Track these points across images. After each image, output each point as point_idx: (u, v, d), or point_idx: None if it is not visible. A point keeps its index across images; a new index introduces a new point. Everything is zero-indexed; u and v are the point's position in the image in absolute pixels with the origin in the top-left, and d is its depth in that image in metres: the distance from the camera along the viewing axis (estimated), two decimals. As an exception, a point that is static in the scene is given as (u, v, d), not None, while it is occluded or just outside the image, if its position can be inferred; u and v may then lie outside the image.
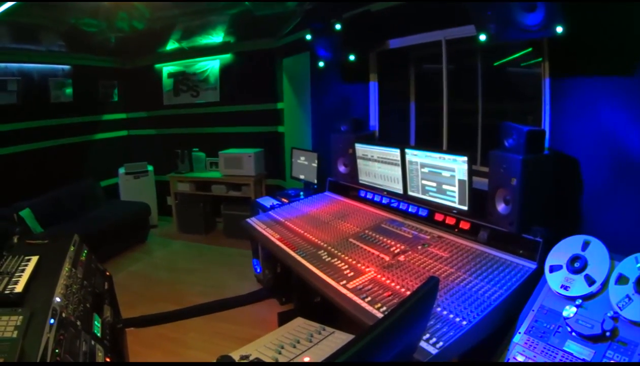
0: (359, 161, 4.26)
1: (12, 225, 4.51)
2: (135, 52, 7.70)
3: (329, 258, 3.16)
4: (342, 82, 5.12)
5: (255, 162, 6.67)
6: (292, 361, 2.19)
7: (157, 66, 7.96)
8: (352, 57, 4.44)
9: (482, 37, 3.07)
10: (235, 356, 2.27)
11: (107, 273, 3.81)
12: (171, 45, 7.37)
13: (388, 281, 2.73)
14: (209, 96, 7.56)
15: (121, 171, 7.85)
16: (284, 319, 3.95)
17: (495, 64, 3.82)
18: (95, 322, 2.78)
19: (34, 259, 2.85)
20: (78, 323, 2.46)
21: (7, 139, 6.38)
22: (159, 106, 8.12)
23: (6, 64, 6.27)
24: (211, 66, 7.45)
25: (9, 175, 6.38)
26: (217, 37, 6.91)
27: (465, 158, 3.11)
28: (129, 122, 8.56)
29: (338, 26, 4.37)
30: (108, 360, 2.50)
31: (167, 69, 7.87)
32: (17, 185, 6.46)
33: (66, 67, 7.17)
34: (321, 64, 4.94)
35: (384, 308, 2.45)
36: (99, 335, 2.69)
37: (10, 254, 2.94)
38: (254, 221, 4.21)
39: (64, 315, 2.35)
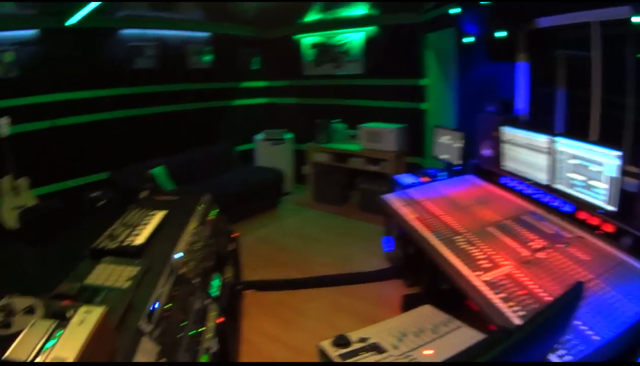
0: (504, 146, 4.01)
1: (144, 181, 4.72)
2: (274, 22, 7.76)
3: (466, 245, 2.98)
4: (488, 61, 4.86)
5: (396, 138, 6.53)
6: (411, 351, 2.10)
7: (297, 36, 7.99)
8: (500, 34, 4.18)
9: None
10: (354, 337, 2.22)
11: (235, 235, 3.89)
12: (312, 16, 7.37)
13: (525, 279, 2.50)
14: (351, 68, 7.49)
15: (258, 137, 8.02)
16: (408, 302, 3.85)
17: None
18: (215, 282, 2.83)
19: (160, 213, 2.94)
20: (196, 280, 2.52)
21: (144, 100, 6.76)
22: (300, 75, 8.17)
23: (144, 31, 6.60)
24: (353, 38, 7.35)
25: (146, 134, 6.82)
26: (360, 9, 6.82)
27: (620, 153, 2.80)
28: (269, 90, 8.69)
29: (486, 0, 4.13)
30: (221, 320, 2.54)
31: (308, 39, 7.88)
32: (153, 145, 6.87)
33: (205, 34, 7.42)
34: (467, 40, 4.69)
35: (517, 308, 2.24)
36: (216, 294, 2.74)
37: (137, 208, 3.04)
38: (390, 198, 4.09)
39: (182, 271, 2.40)
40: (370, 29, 7.14)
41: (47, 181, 5.85)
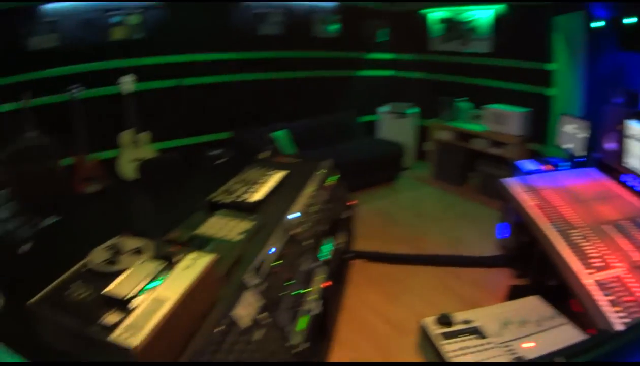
0: (628, 141, 3.74)
1: (265, 143, 4.83)
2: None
3: (580, 240, 2.82)
4: (618, 48, 4.53)
5: (521, 122, 6.27)
6: (512, 341, 2.05)
7: (423, 10, 7.79)
8: (630, 20, 3.87)
9: None
10: (458, 318, 2.19)
11: (352, 203, 3.91)
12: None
13: (634, 285, 2.36)
14: (478, 46, 7.19)
15: (382, 109, 7.93)
16: (514, 293, 3.72)
17: None
18: (326, 246, 2.87)
19: (280, 174, 2.99)
20: (307, 242, 2.56)
21: (269, 65, 6.87)
22: (426, 50, 7.99)
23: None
24: (481, 15, 7.05)
25: (269, 99, 6.97)
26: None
27: None
28: (395, 63, 8.56)
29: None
30: (327, 284, 2.58)
31: (436, 14, 7.65)
32: (276, 109, 7.01)
33: (332, 4, 7.35)
34: (596, 24, 4.38)
35: (623, 314, 2.10)
36: (326, 258, 2.78)
37: (256, 167, 3.11)
38: (510, 182, 3.96)
39: (294, 231, 2.45)
40: (500, 7, 6.83)
41: (168, 137, 6.16)
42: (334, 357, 3.16)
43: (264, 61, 6.82)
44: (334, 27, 7.43)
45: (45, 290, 1.49)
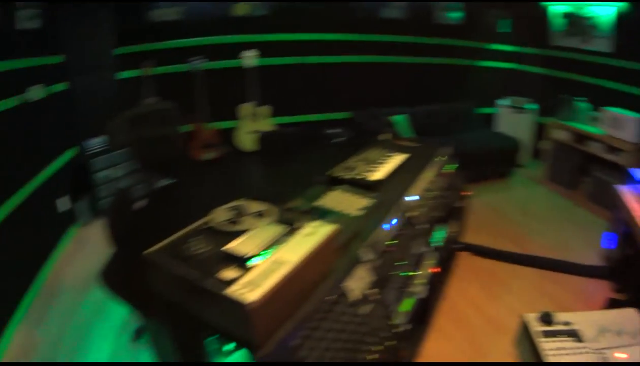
0: None
1: (384, 126, 4.81)
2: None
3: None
4: None
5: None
6: (606, 348, 1.98)
7: (545, 3, 7.42)
8: None
9: None
10: (559, 318, 2.16)
11: (466, 193, 3.85)
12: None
13: None
14: (599, 45, 6.77)
15: (501, 102, 7.66)
16: (612, 307, 3.58)
17: None
18: (438, 233, 2.84)
19: (400, 156, 2.99)
20: (421, 226, 2.54)
21: (390, 49, 6.83)
22: (547, 45, 7.63)
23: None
24: (603, 12, 6.62)
25: (389, 82, 6.95)
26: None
27: None
28: (515, 55, 8.23)
29: None
30: (436, 270, 2.55)
31: (558, 7, 7.25)
32: (396, 93, 6.98)
33: None
34: None
35: None
36: (437, 245, 2.75)
37: (377, 147, 3.12)
38: (622, 189, 3.76)
39: (411, 213, 2.43)
40: (622, 5, 6.38)
41: (287, 113, 6.29)
42: (428, 344, 3.18)
43: (386, 44, 6.79)
44: (456, 15, 7.26)
45: (164, 242, 1.56)
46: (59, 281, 4.97)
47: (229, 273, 1.33)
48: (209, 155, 6.00)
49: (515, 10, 7.78)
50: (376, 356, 1.63)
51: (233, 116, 6.17)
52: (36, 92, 4.87)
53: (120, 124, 5.44)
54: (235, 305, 1.25)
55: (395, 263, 2.12)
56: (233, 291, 1.27)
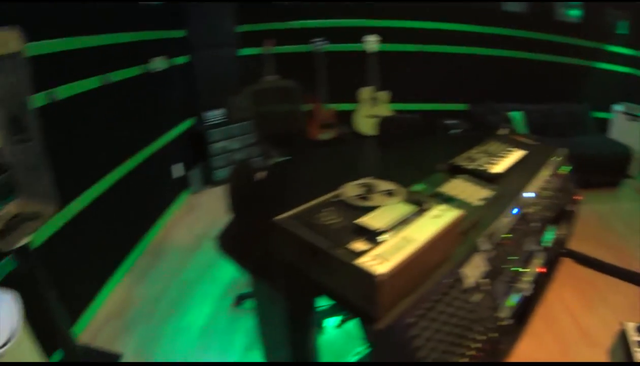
0: None
1: (501, 121, 4.74)
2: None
3: None
4: None
5: None
6: None
7: None
8: None
9: None
10: None
11: (578, 197, 3.77)
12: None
13: None
14: None
15: (617, 108, 7.29)
16: None
17: None
18: (549, 233, 2.81)
19: (520, 152, 2.99)
20: (535, 224, 2.52)
21: (510, 43, 6.70)
22: None
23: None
24: None
25: (507, 77, 6.81)
26: None
27: None
28: (635, 60, 7.82)
29: None
30: (542, 270, 2.53)
31: None
32: (513, 88, 6.84)
33: None
34: None
35: None
36: (546, 245, 2.73)
37: (496, 141, 3.13)
38: None
39: (527, 210, 2.42)
40: None
41: (405, 100, 6.29)
42: (521, 343, 3.17)
43: (505, 38, 6.67)
44: (576, 12, 6.98)
45: (295, 210, 1.64)
46: (166, 242, 5.21)
47: (359, 245, 1.38)
48: (326, 135, 6.15)
49: (636, 12, 7.41)
50: (479, 345, 1.65)
51: (351, 99, 6.26)
52: (159, 63, 5.10)
53: (243, 98, 5.62)
54: (364, 276, 1.30)
55: (508, 257, 2.12)
56: (363, 262, 1.32)
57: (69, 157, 3.61)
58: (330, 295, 1.56)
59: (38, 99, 2.77)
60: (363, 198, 1.64)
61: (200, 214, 5.79)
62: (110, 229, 4.42)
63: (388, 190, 1.69)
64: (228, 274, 4.50)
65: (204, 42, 6.10)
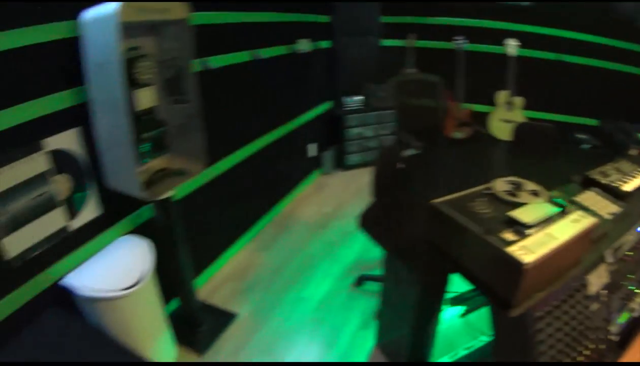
0: None
1: (632, 141, 4.70)
2: None
3: None
4: None
5: None
6: None
7: None
8: None
9: None
10: None
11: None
12: None
13: None
14: None
15: None
16: None
17: None
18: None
19: (650, 174, 3.03)
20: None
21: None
22: None
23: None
24: None
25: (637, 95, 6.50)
26: None
27: None
28: None
29: None
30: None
31: None
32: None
33: None
34: None
35: None
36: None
37: (628, 161, 3.18)
38: None
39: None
40: None
41: (537, 107, 6.28)
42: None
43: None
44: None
45: (450, 197, 1.88)
46: (294, 216, 5.52)
47: (508, 235, 1.61)
48: (459, 134, 6.28)
49: None
50: (588, 352, 1.79)
51: (486, 100, 6.34)
52: (305, 45, 5.40)
53: (387, 88, 5.85)
54: (512, 263, 1.51)
55: (627, 274, 2.25)
56: (513, 250, 1.54)
57: (217, 122, 3.97)
58: (470, 278, 1.79)
59: (195, 65, 3.06)
60: (511, 193, 1.86)
61: (329, 195, 6.11)
62: (243, 195, 4.80)
63: (534, 190, 1.90)
64: (351, 255, 4.74)
65: (347, 29, 6.38)
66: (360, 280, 4.25)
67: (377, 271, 4.27)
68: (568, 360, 1.71)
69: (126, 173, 2.78)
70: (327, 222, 5.39)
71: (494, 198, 1.87)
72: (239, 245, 4.82)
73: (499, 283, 1.63)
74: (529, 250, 1.54)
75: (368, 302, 4.01)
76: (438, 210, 1.81)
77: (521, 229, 1.65)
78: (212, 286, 4.30)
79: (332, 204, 5.80)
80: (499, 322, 1.82)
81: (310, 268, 4.52)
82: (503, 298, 1.62)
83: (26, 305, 2.58)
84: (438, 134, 4.40)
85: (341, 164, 6.71)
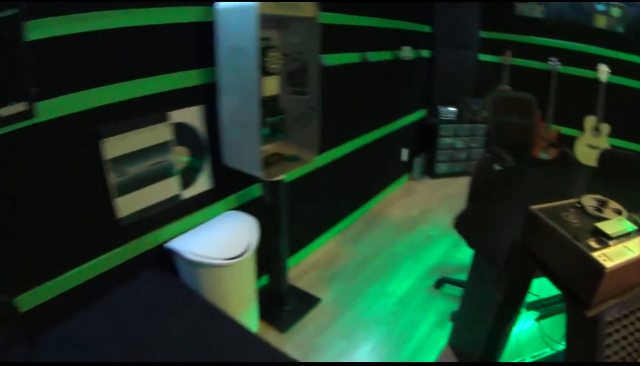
0: None
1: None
2: None
3: None
4: None
5: None
6: None
7: None
8: None
9: None
10: None
11: None
12: None
13: None
14: None
15: None
16: None
17: None
18: None
19: None
20: None
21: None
22: None
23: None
24: None
25: None
26: None
27: None
28: None
29: None
30: None
31: None
32: None
33: None
34: None
35: None
36: None
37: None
38: None
39: None
40: None
41: (624, 136, 6.22)
42: None
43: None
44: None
45: (544, 205, 2.08)
46: (382, 215, 5.74)
47: (592, 243, 1.81)
48: (545, 154, 6.33)
49: None
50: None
51: (573, 124, 6.36)
52: (407, 52, 5.63)
53: (484, 103, 6.00)
54: (595, 266, 1.70)
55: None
56: (596, 255, 1.73)
57: (325, 117, 4.09)
58: (554, 279, 1.99)
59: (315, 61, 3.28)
60: (597, 209, 2.05)
61: (416, 200, 6.32)
62: (338, 189, 5.07)
63: (617, 209, 2.08)
64: (434, 258, 4.93)
65: (447, 41, 6.58)
66: (440, 282, 4.42)
67: (457, 276, 4.43)
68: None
69: (248, 153, 3.04)
70: (413, 225, 5.59)
71: (582, 210, 2.07)
72: (329, 235, 5.09)
73: (580, 284, 1.82)
74: (608, 258, 1.73)
75: (445, 304, 4.16)
76: (536, 215, 2.03)
77: (604, 239, 1.84)
78: (300, 270, 4.56)
79: (419, 209, 6.00)
80: (573, 323, 2.01)
81: (393, 265, 4.72)
82: (581, 299, 1.80)
83: (129, 261, 2.84)
84: (527, 153, 4.49)
85: (430, 172, 6.89)
